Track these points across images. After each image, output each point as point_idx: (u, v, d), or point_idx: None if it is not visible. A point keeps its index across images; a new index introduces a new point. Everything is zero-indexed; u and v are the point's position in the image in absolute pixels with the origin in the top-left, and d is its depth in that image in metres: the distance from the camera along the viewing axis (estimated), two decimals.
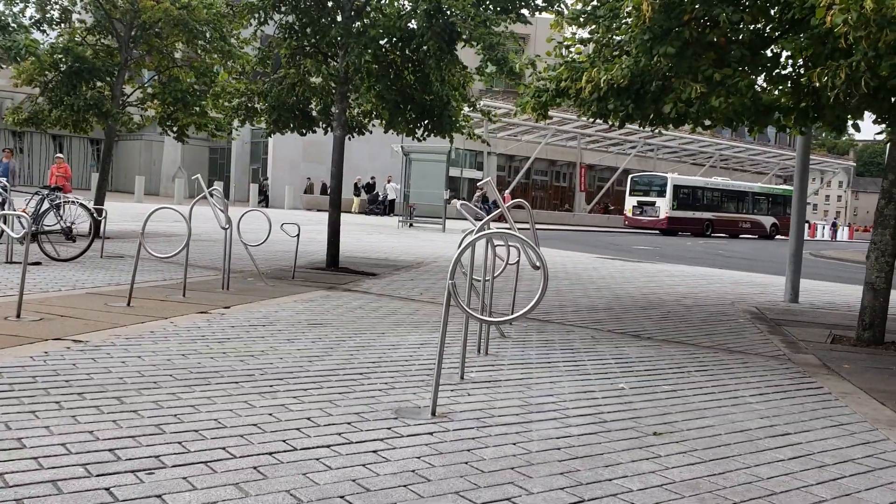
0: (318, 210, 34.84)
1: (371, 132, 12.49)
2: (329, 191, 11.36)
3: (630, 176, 41.18)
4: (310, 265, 11.23)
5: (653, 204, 37.33)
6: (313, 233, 19.55)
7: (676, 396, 4.48)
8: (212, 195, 7.92)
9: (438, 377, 3.69)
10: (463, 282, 5.17)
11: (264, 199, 38.32)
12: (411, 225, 27.64)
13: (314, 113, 11.88)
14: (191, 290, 7.47)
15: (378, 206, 35.44)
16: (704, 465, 3.22)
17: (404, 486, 2.69)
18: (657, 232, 37.27)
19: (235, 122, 12.70)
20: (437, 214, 27.90)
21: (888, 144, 7.55)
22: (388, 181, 35.95)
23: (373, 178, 39.21)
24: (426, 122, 11.53)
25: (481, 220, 5.16)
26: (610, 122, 8.12)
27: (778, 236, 41.94)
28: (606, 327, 7.16)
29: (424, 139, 11.75)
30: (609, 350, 5.90)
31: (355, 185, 37.23)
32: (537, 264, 4.43)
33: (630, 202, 38.64)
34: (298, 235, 9.75)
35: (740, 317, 8.38)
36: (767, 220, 42.01)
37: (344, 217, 11.19)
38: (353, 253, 13.65)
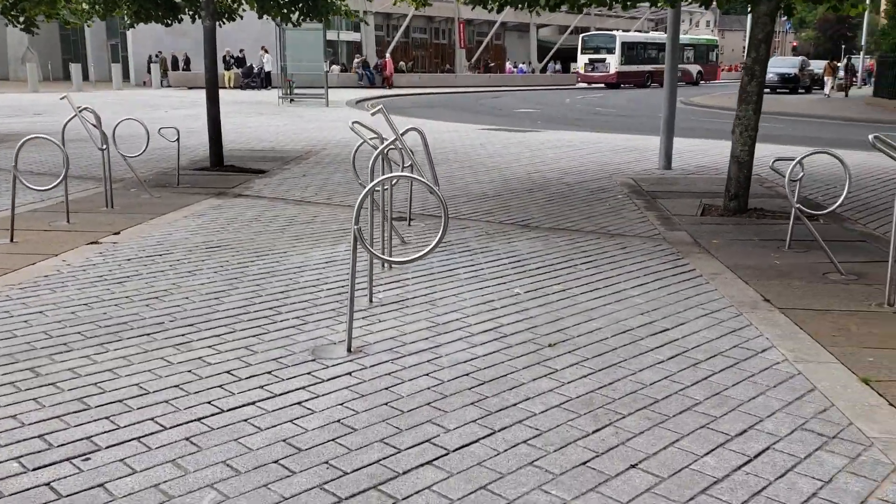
0: (189, 88, 33.03)
1: (242, 17, 11.85)
2: (205, 83, 10.82)
3: (581, 36, 44.97)
4: (193, 165, 10.91)
5: (603, 61, 41.44)
6: (189, 119, 18.73)
7: (566, 297, 4.86)
8: (82, 112, 7.48)
9: (352, 317, 3.88)
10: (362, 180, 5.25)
11: (164, 75, 35.78)
12: (292, 100, 26.74)
13: (178, 0, 11.12)
14: (74, 211, 7.21)
15: (254, 79, 33.93)
16: (595, 375, 3.61)
17: (332, 440, 2.93)
18: (603, 86, 41.17)
19: (94, 17, 11.73)
20: (319, 85, 26.99)
21: (749, 18, 7.90)
22: (263, 52, 34.26)
23: (241, 51, 37.22)
24: (300, 5, 11.05)
25: (379, 140, 5.21)
26: (489, 8, 8.13)
27: (702, 82, 47.02)
28: (498, 218, 7.48)
29: (300, 24, 11.28)
30: (502, 247, 6.22)
31: (224, 58, 35.29)
32: (435, 188, 4.57)
33: (582, 60, 42.96)
34: (178, 140, 9.39)
35: (619, 192, 8.88)
36: (694, 69, 46.76)
37: (219, 94, 10.80)
38: (236, 144, 13.27)
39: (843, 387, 3.49)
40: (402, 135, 4.89)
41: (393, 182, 5.98)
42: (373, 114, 4.53)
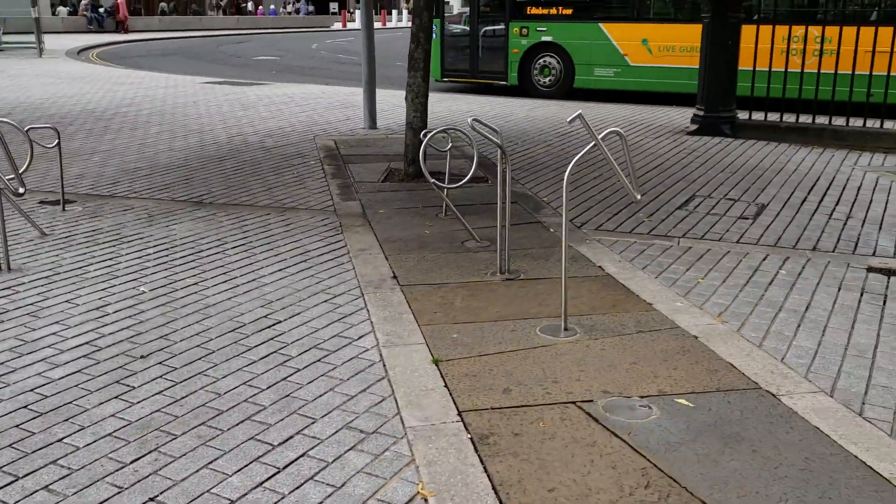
0: None
1: None
2: None
3: None
4: None
5: None
6: None
7: (194, 293, 4.71)
8: None
9: None
10: None
11: None
12: (2, 49, 23.83)
13: None
14: None
15: None
16: (173, 389, 3.51)
17: None
18: None
19: None
20: (31, 30, 24.21)
21: None
22: None
23: None
24: None
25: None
26: None
27: None
28: (173, 194, 7.13)
29: None
30: (158, 233, 5.92)
31: None
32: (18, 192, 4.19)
33: None
34: None
35: (313, 157, 8.82)
36: None
37: None
38: None
39: (413, 371, 3.68)
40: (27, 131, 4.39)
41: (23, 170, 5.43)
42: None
